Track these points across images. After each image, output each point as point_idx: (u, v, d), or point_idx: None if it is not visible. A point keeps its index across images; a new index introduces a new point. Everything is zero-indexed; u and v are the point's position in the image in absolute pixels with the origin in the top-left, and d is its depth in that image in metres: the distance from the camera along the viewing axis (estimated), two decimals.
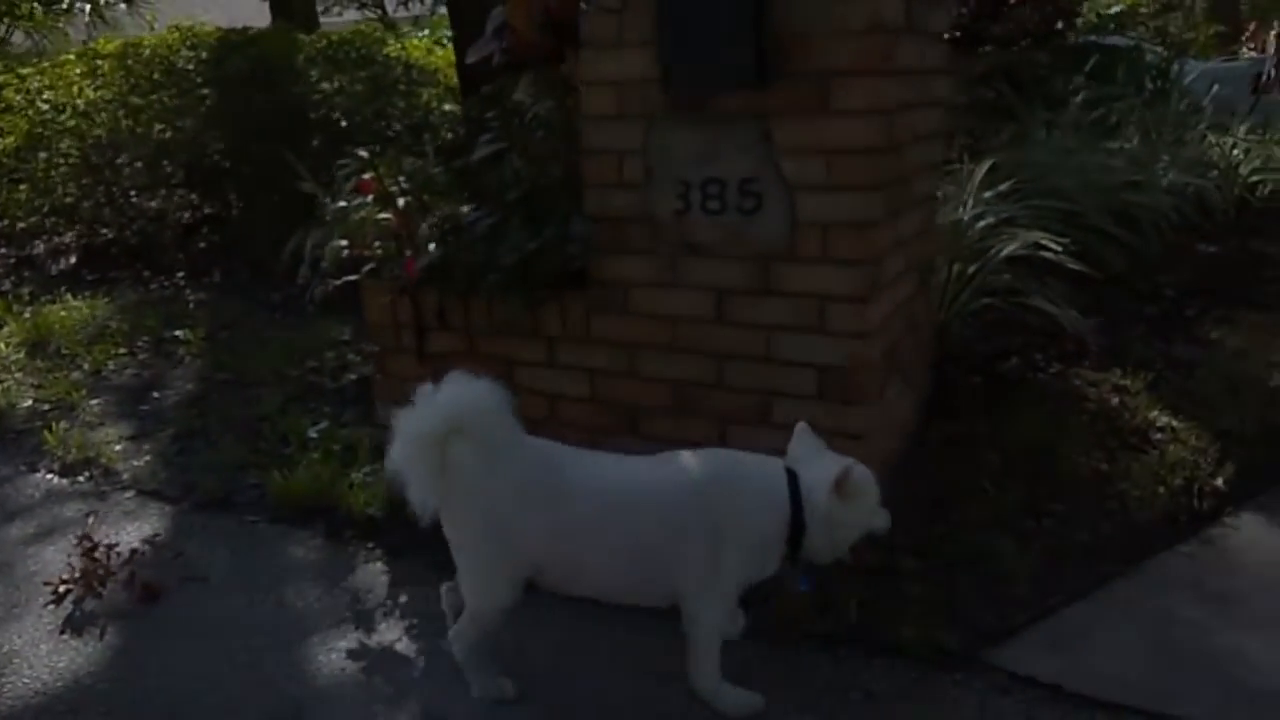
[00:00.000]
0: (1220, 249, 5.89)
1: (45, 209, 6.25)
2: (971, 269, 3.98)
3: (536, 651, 2.73)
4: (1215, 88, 7.57)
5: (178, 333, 4.97)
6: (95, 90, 6.13)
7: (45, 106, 6.14)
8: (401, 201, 3.58)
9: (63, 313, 5.39)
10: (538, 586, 2.48)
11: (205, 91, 5.77)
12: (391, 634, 2.87)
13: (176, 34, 6.19)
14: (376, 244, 3.47)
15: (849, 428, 3.02)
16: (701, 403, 3.23)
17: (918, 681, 2.59)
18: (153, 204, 6.03)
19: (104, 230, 6.19)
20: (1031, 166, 4.99)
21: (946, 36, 3.49)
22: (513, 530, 2.34)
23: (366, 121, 5.57)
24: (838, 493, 2.29)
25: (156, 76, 5.91)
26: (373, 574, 3.18)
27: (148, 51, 6.11)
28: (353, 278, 3.64)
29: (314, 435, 3.85)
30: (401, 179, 3.66)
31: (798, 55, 2.87)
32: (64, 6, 12.93)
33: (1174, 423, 3.72)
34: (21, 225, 6.48)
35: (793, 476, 2.37)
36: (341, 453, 3.74)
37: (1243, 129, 7.04)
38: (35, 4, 10.98)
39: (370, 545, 3.33)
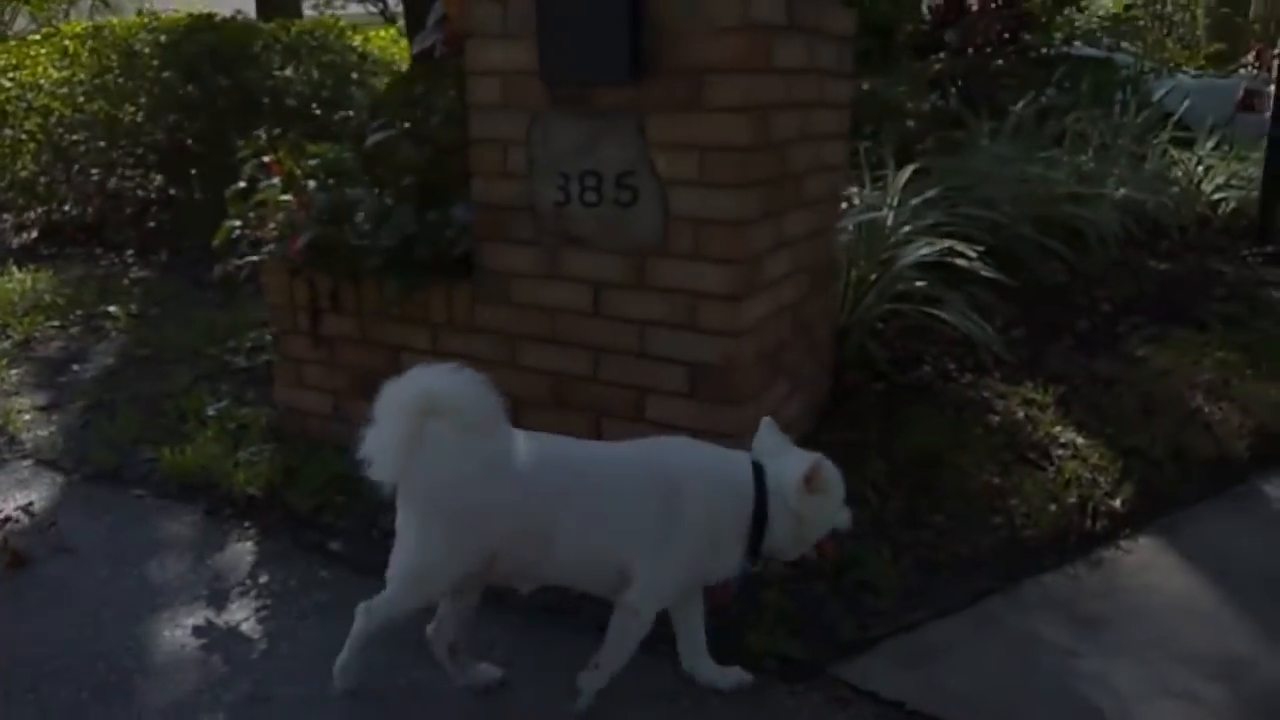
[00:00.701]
0: (1173, 266, 5.82)
1: (5, 185, 6.29)
2: (880, 274, 3.94)
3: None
4: (1186, 102, 7.49)
5: (110, 308, 4.99)
6: (60, 71, 6.17)
7: (9, 84, 6.18)
8: (311, 183, 3.59)
9: (8, 284, 5.42)
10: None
11: (166, 75, 5.79)
12: (241, 614, 2.86)
13: (140, 19, 6.23)
14: (272, 225, 3.46)
15: (720, 427, 2.99)
16: (578, 396, 3.21)
17: (755, 691, 2.55)
18: (111, 182, 6.05)
19: (63, 207, 6.22)
20: (964, 174, 4.94)
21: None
22: (475, 508, 2.27)
23: (323, 106, 5.58)
24: (807, 487, 2.27)
25: (114, 58, 5.95)
26: (240, 553, 3.18)
27: (109, 34, 6.15)
28: (254, 258, 3.64)
29: (212, 413, 3.86)
30: (312, 161, 3.65)
31: (672, 51, 2.85)
32: None
33: (1078, 439, 3.66)
34: None
35: (758, 469, 2.34)
36: (235, 431, 3.74)
37: (1209, 145, 6.95)
38: None
39: (246, 524, 3.33)
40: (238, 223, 3.42)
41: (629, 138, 2.96)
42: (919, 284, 4.06)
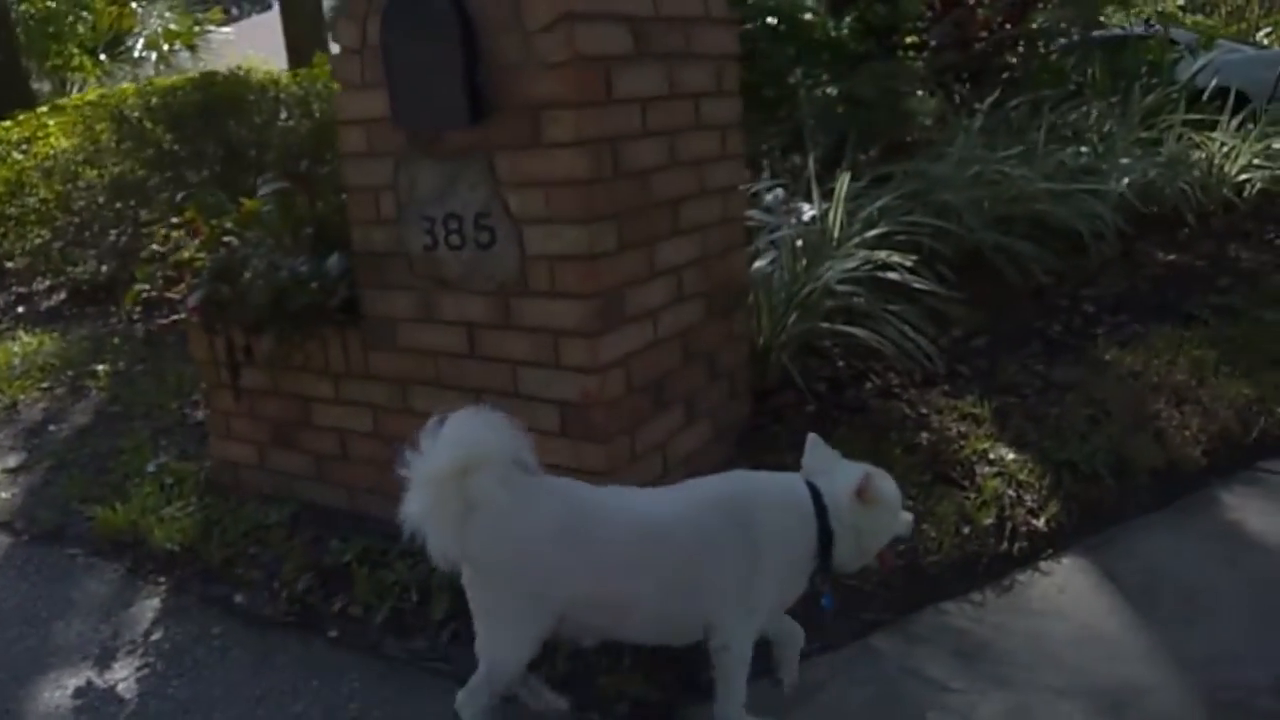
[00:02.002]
0: (1182, 256, 5.50)
1: (29, 251, 6.62)
2: (812, 290, 3.82)
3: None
4: (1214, 79, 7.08)
5: (98, 367, 5.17)
6: (70, 139, 6.48)
7: (20, 156, 6.52)
8: (234, 241, 3.67)
9: (13, 348, 5.68)
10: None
11: (160, 135, 6.02)
12: (122, 673, 2.91)
13: (132, 86, 6.49)
14: (183, 286, 3.55)
15: (589, 464, 2.94)
16: None
17: None
18: (121, 241, 6.30)
19: (74, 269, 6.50)
20: (925, 178, 4.77)
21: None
22: (548, 570, 2.23)
23: (305, 156, 5.71)
24: (860, 499, 2.28)
25: (103, 125, 6.23)
26: (145, 610, 3.24)
27: (101, 101, 6.44)
28: (177, 317, 3.73)
29: (151, 470, 3.95)
30: (226, 221, 3.73)
31: (511, 89, 2.83)
32: (133, 53, 13.67)
33: (1009, 455, 3.48)
34: (10, 264, 6.89)
35: (813, 489, 2.34)
36: (171, 486, 3.82)
37: (1233, 124, 6.56)
38: (84, 55, 11.61)
39: (161, 580, 3.40)
40: (144, 285, 3.50)
41: (481, 178, 2.94)
42: (856, 299, 3.93)
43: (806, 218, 4.45)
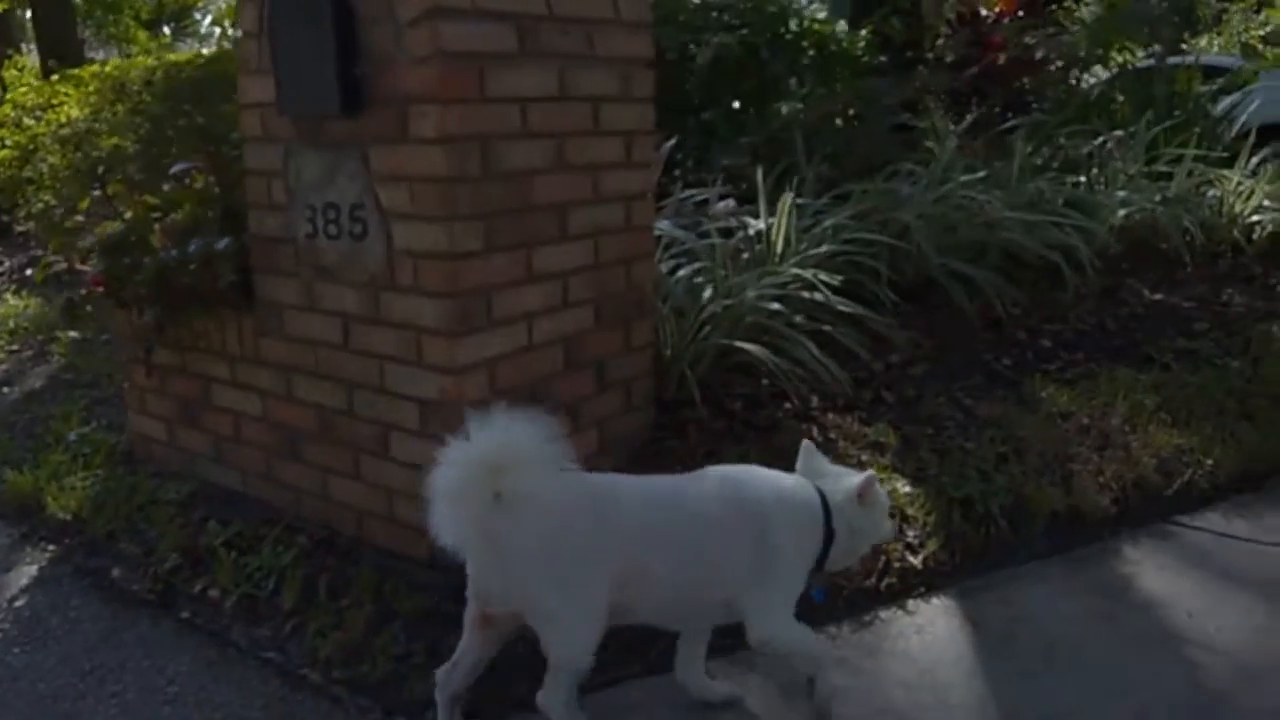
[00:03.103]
0: (1170, 296, 5.29)
1: (28, 215, 6.78)
2: (726, 304, 3.74)
3: None
4: (1252, 108, 6.81)
5: (66, 333, 5.28)
6: (79, 109, 6.63)
7: (32, 123, 6.67)
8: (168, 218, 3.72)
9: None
10: None
11: (156, 110, 6.11)
12: None
13: (144, 60, 6.61)
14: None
15: None
16: (339, 431, 3.19)
17: None
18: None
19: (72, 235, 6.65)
20: (890, 197, 4.65)
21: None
22: (592, 557, 2.25)
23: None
24: (860, 501, 2.40)
25: (110, 95, 6.34)
26: (21, 576, 3.30)
27: (108, 72, 6.58)
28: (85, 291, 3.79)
29: (73, 437, 4.02)
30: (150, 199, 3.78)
31: (384, 82, 2.81)
32: (199, 28, 13.99)
33: (905, 487, 3.36)
34: (20, 229, 7.11)
35: (819, 491, 2.45)
36: (88, 456, 3.88)
37: (1251, 162, 6.29)
38: (138, 28, 11.90)
39: (50, 547, 3.45)
40: (56, 258, 3.56)
41: (356, 170, 2.93)
42: (775, 318, 3.84)
43: (753, 231, 4.37)
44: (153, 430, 3.86)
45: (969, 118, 5.59)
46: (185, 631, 2.97)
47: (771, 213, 4.38)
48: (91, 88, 6.92)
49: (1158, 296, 5.32)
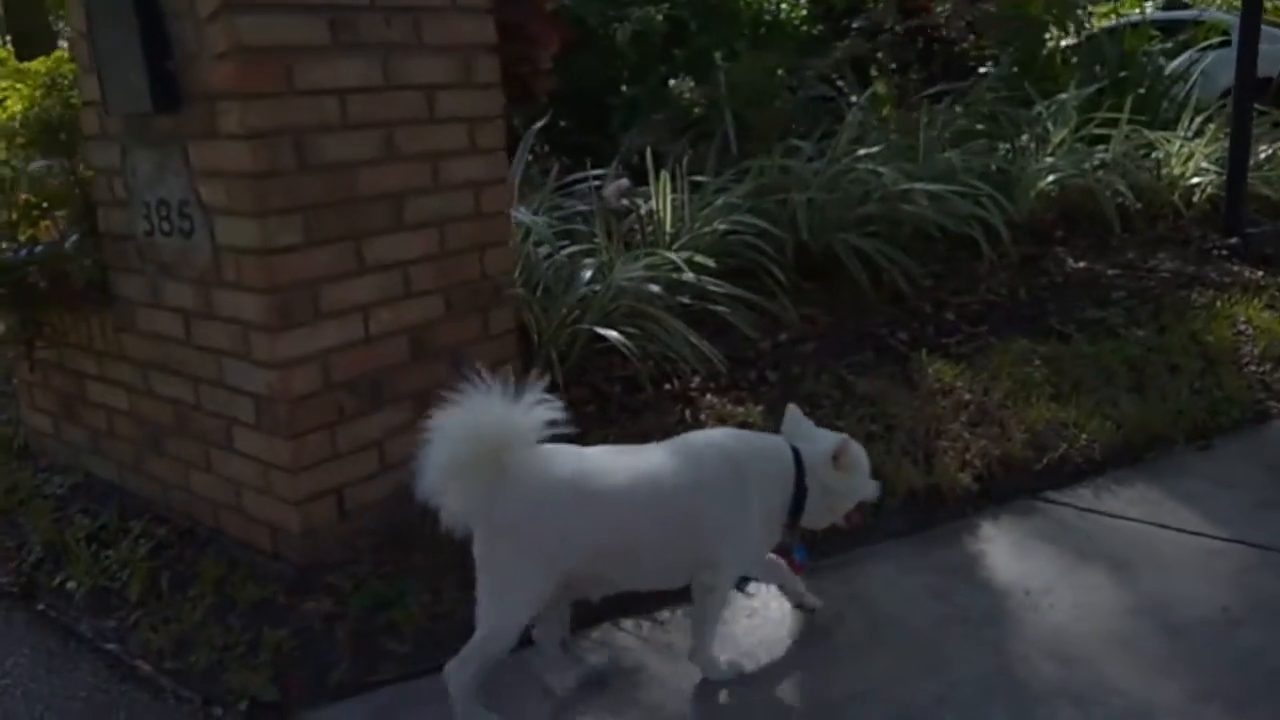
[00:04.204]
0: (1095, 265, 5.21)
1: None
2: (596, 288, 3.73)
3: None
4: (1200, 74, 6.65)
5: None
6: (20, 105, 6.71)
7: None
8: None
9: None
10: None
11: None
12: None
13: None
14: None
15: (279, 460, 2.94)
16: (192, 424, 3.22)
17: None
18: None
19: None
20: (786, 174, 4.60)
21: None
22: (561, 528, 2.31)
23: None
24: (835, 464, 2.52)
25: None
26: None
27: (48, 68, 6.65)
28: None
29: None
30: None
31: (193, 77, 2.81)
32: None
33: None
34: None
35: (794, 450, 2.56)
36: None
37: (1195, 123, 6.16)
38: None
39: None
40: None
41: (180, 166, 2.94)
42: (652, 299, 3.82)
43: (644, 211, 4.34)
44: (41, 425, 3.92)
45: (895, 83, 5.49)
46: (38, 624, 3.03)
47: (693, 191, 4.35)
48: (35, 82, 7.00)
49: (1081, 265, 5.25)
